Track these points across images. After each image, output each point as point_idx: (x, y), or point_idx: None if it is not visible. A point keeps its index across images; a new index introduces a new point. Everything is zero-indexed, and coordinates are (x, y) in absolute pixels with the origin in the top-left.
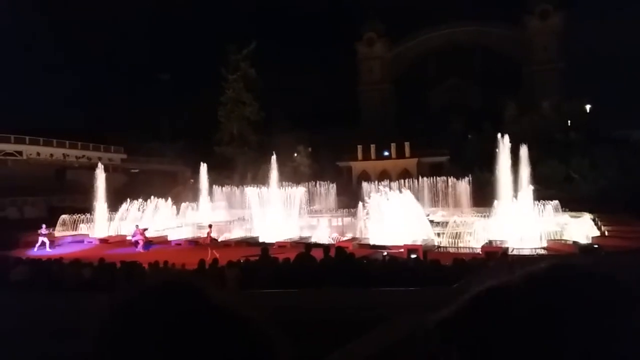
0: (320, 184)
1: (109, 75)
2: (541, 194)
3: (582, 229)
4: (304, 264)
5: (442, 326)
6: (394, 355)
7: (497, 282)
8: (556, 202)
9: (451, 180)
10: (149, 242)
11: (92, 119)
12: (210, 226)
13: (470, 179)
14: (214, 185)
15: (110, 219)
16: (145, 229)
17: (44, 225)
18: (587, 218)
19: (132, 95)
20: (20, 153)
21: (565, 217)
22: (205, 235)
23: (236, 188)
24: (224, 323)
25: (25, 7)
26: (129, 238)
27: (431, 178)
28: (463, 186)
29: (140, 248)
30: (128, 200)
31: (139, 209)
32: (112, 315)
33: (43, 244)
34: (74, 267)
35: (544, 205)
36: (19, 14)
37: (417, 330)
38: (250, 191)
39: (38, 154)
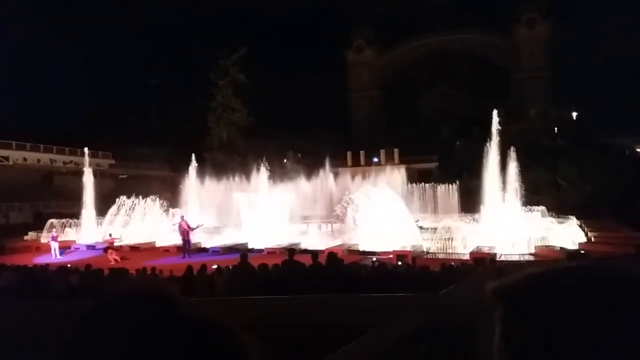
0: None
1: (97, 80)
2: (528, 200)
3: (568, 234)
4: (292, 270)
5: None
6: (396, 353)
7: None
8: (543, 207)
9: (440, 187)
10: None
11: (80, 124)
12: (110, 234)
13: (459, 185)
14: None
15: (98, 224)
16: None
17: (54, 230)
18: (573, 224)
19: (120, 101)
20: (6, 158)
21: (552, 223)
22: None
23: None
24: (192, 332)
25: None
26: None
27: (420, 184)
28: (451, 192)
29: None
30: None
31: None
32: (74, 328)
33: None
34: (60, 274)
35: (531, 211)
36: (3, 16)
37: (417, 329)
38: (239, 197)
39: (25, 159)
